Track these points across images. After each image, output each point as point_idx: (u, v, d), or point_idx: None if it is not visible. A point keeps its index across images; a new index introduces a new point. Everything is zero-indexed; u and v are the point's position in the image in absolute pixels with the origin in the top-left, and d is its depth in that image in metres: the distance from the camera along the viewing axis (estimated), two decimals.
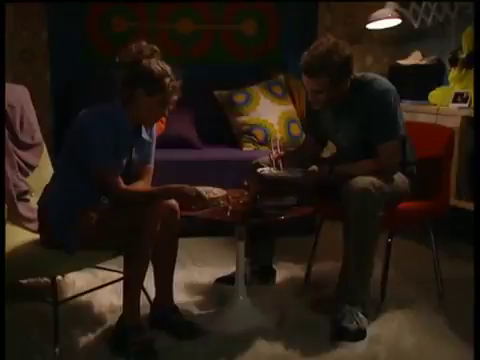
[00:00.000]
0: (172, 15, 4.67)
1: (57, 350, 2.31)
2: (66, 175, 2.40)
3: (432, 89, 3.95)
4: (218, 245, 3.64)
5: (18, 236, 2.55)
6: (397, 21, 4.10)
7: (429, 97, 3.91)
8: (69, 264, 2.37)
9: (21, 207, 2.68)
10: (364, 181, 2.50)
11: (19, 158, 2.80)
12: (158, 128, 3.20)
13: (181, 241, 3.70)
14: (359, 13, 4.47)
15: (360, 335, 2.46)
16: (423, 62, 4.23)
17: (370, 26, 4.17)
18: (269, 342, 2.42)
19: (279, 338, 2.45)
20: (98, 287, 2.71)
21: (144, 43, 2.40)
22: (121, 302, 2.44)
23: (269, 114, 4.27)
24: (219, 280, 2.98)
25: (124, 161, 2.40)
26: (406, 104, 4.07)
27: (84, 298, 2.75)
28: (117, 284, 2.61)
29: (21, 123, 2.86)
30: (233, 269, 2.77)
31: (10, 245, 2.38)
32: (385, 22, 4.12)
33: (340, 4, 4.63)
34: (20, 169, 2.79)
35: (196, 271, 3.21)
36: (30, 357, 2.29)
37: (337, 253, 2.80)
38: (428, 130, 3.04)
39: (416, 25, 4.13)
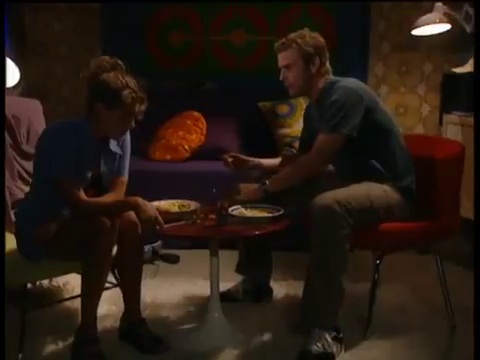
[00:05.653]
0: (226, 26, 4.68)
1: (20, 356, 2.36)
2: (34, 186, 2.46)
3: None
4: None
5: (9, 243, 2.65)
6: (446, 26, 3.77)
7: None
8: (36, 273, 2.45)
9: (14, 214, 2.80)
10: (327, 197, 2.35)
11: (21, 167, 2.94)
12: None
13: (203, 253, 3.68)
14: (415, 19, 4.16)
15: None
16: None
17: (416, 32, 3.86)
18: None
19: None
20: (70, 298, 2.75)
21: (106, 57, 2.41)
22: (105, 310, 2.48)
23: None
24: None
25: (89, 174, 2.41)
26: (453, 117, 3.76)
27: (76, 304, 2.79)
28: (106, 292, 2.55)
29: (28, 134, 3.00)
30: None
31: None
32: (433, 27, 3.79)
33: (394, 10, 4.38)
34: (21, 177, 2.93)
35: (201, 285, 3.14)
36: None
37: None
38: (435, 144, 2.75)
39: (469, 29, 3.79)
